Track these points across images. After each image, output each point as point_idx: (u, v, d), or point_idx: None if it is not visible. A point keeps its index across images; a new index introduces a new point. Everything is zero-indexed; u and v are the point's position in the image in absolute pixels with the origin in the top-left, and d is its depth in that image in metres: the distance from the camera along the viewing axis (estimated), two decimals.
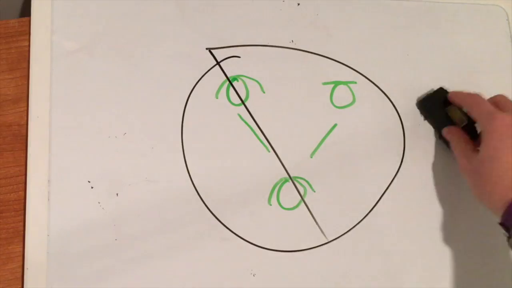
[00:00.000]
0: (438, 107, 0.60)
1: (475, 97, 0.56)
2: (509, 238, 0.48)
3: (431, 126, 0.60)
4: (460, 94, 0.58)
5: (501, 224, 0.49)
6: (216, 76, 0.58)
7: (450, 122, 0.59)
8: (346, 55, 0.61)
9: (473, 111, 0.55)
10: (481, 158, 0.51)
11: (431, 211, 0.58)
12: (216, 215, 0.55)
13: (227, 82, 0.58)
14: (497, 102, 0.55)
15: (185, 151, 0.56)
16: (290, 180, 0.56)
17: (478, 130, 0.57)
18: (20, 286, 0.51)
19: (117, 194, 0.53)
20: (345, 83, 0.60)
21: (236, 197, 0.55)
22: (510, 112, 0.52)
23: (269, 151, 0.57)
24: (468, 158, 0.54)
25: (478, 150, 0.53)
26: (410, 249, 0.57)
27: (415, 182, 0.59)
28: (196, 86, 0.58)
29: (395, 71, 0.62)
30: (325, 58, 0.61)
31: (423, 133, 0.60)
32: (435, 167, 0.59)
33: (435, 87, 0.61)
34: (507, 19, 0.66)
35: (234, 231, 0.54)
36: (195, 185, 0.55)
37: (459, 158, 0.55)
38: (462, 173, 0.55)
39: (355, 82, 0.61)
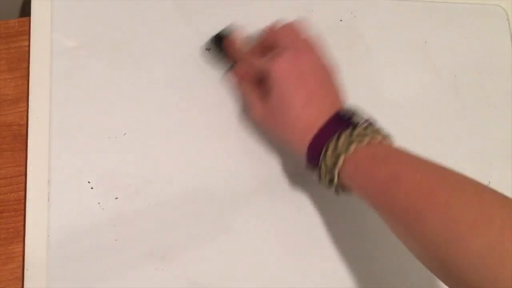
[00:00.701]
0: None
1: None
2: (320, 179, 0.48)
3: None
4: (234, 44, 0.55)
5: (308, 166, 0.48)
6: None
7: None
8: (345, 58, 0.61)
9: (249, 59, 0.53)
10: (271, 108, 0.50)
11: None
12: (216, 216, 0.55)
13: None
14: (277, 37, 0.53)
15: (185, 152, 0.56)
16: None
17: None
18: (20, 286, 0.51)
19: (117, 194, 0.53)
20: None
21: (237, 198, 0.55)
22: (286, 51, 0.49)
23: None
24: (258, 104, 0.52)
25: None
26: None
27: None
28: (196, 86, 0.58)
29: None
30: None
31: None
32: None
33: (435, 87, 0.61)
34: (507, 19, 0.66)
35: (234, 232, 0.54)
36: (196, 186, 0.55)
37: (252, 104, 0.52)
38: (257, 121, 0.53)
39: None
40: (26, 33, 0.56)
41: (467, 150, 0.61)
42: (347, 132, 0.47)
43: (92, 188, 0.53)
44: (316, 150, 0.47)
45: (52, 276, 0.50)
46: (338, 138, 0.46)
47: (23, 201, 0.52)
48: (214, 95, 0.58)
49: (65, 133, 0.54)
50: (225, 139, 0.57)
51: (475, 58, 0.64)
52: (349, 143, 0.46)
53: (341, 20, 0.62)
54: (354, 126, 0.47)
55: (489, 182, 0.60)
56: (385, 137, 0.48)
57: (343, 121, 0.48)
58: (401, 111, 0.61)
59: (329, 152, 0.46)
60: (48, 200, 0.52)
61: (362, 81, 0.61)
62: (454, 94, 0.63)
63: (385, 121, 0.60)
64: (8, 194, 0.53)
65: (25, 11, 0.64)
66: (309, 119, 0.48)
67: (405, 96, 0.61)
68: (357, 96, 0.60)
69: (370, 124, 0.48)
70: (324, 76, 0.50)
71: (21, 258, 0.51)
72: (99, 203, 0.53)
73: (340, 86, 0.52)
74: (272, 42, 0.52)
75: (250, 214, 0.55)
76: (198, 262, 0.53)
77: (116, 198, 0.53)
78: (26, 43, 0.56)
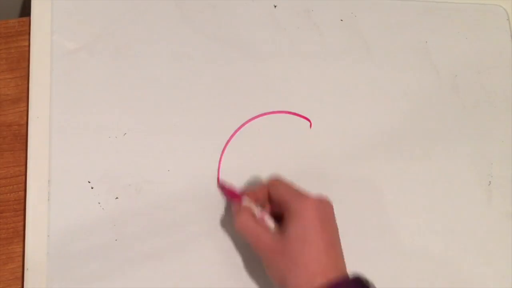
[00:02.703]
0: None
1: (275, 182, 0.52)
2: None
3: None
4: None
5: None
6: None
7: None
8: (345, 58, 0.61)
9: (278, 193, 0.50)
10: (289, 238, 0.47)
11: None
12: (216, 215, 0.55)
13: None
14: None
15: (185, 151, 0.56)
16: None
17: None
18: (20, 286, 0.51)
19: (117, 194, 0.53)
20: None
21: None
22: (311, 196, 0.49)
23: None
24: (267, 234, 0.48)
25: (274, 230, 0.49)
26: None
27: None
28: (196, 86, 0.58)
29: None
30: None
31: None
32: None
33: (435, 87, 0.61)
34: (508, 19, 0.66)
35: (234, 232, 0.54)
36: (196, 186, 0.55)
37: (255, 230, 0.49)
38: (257, 250, 0.49)
39: None
40: (26, 33, 0.56)
41: (467, 150, 0.61)
42: None
43: (92, 188, 0.53)
44: None
45: (52, 276, 0.50)
46: None
47: (23, 201, 0.52)
48: (214, 95, 0.58)
49: (65, 133, 0.54)
50: (225, 139, 0.57)
51: (475, 58, 0.64)
52: None
53: (341, 20, 0.62)
54: None
55: (489, 182, 0.60)
56: None
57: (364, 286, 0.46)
58: (401, 111, 0.61)
59: None
60: (48, 200, 0.52)
61: (362, 81, 0.61)
62: (454, 94, 0.63)
63: (385, 121, 0.60)
64: (8, 194, 0.53)
65: (25, 11, 0.64)
66: (325, 266, 0.46)
67: (405, 96, 0.61)
68: (357, 96, 0.61)
69: None
70: (337, 232, 0.49)
71: (21, 258, 0.51)
72: (99, 203, 0.53)
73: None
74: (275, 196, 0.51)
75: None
76: (198, 262, 0.53)
77: (117, 198, 0.53)
78: (26, 43, 0.56)
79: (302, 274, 0.45)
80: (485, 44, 0.65)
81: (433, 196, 0.59)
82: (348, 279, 0.46)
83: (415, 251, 0.57)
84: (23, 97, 0.55)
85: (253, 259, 0.53)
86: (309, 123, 0.59)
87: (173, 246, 0.53)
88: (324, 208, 0.48)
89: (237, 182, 0.55)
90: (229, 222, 0.54)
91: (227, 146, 0.56)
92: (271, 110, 0.58)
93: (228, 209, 0.55)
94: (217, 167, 0.56)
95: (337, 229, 0.49)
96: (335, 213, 0.49)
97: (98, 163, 0.54)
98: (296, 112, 0.59)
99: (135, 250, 0.52)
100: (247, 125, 0.58)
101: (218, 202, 0.55)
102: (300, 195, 0.49)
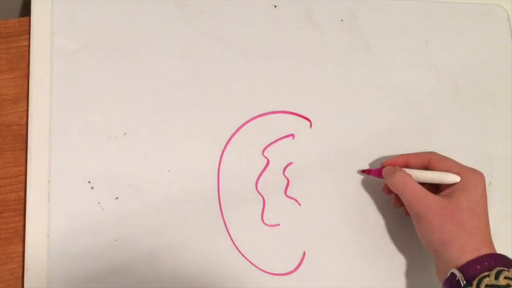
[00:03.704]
0: None
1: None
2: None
3: None
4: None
5: (461, 271, 0.48)
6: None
7: None
8: (345, 58, 0.61)
9: (445, 164, 0.54)
10: (459, 206, 0.50)
11: None
12: (216, 216, 0.55)
13: None
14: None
15: (185, 152, 0.56)
16: None
17: None
18: (20, 286, 0.51)
19: (117, 194, 0.53)
20: None
21: (237, 198, 0.55)
22: (481, 173, 0.53)
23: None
24: (432, 197, 0.51)
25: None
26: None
27: None
28: (196, 86, 0.58)
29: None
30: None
31: None
32: None
33: (436, 87, 0.61)
34: (508, 19, 0.66)
35: (235, 232, 0.54)
36: (196, 186, 0.55)
37: (419, 190, 0.51)
38: (420, 208, 0.51)
39: None
40: (26, 33, 0.56)
41: (467, 150, 0.61)
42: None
43: (92, 188, 0.53)
44: (478, 270, 0.47)
45: (52, 276, 0.50)
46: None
47: (23, 201, 0.52)
48: (214, 95, 0.58)
49: (65, 133, 0.54)
50: (225, 139, 0.57)
51: (476, 57, 0.64)
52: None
53: (341, 20, 0.62)
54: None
55: (490, 182, 0.60)
56: None
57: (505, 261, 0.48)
58: (401, 111, 0.61)
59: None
60: (48, 200, 0.52)
61: (362, 81, 0.61)
62: (454, 94, 0.63)
63: (385, 121, 0.60)
64: (8, 194, 0.53)
65: (25, 11, 0.64)
66: (487, 238, 0.50)
67: (405, 96, 0.61)
68: (357, 96, 0.61)
69: None
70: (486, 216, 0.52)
71: (21, 258, 0.51)
72: (99, 203, 0.53)
73: None
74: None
75: (250, 214, 0.55)
76: (198, 262, 0.53)
77: (117, 198, 0.53)
78: (26, 43, 0.56)
79: (470, 240, 0.49)
80: (485, 44, 0.65)
81: None
82: (505, 256, 0.49)
83: (415, 251, 0.57)
84: (23, 97, 0.55)
85: (253, 259, 0.54)
86: (309, 123, 0.59)
87: (173, 246, 0.53)
88: (486, 184, 0.52)
89: (237, 182, 0.56)
90: (228, 222, 0.54)
91: (227, 146, 0.56)
92: (271, 110, 0.58)
93: (228, 208, 0.55)
94: (217, 167, 0.56)
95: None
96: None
97: (98, 163, 0.54)
98: (296, 112, 0.59)
99: (135, 250, 0.52)
100: (247, 125, 0.57)
101: (218, 202, 0.55)
102: (471, 169, 0.53)
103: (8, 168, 0.53)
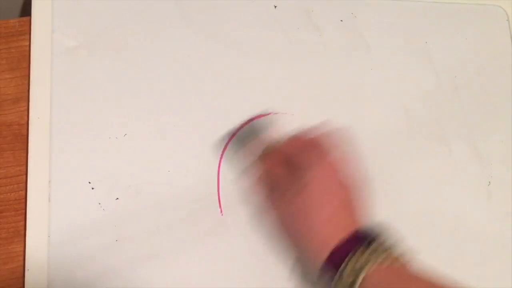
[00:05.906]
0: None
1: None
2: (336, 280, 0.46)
3: None
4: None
5: (326, 265, 0.47)
6: None
7: None
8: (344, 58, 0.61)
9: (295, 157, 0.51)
10: (307, 200, 0.48)
11: None
12: (216, 216, 0.55)
13: None
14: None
15: (185, 152, 0.56)
16: None
17: None
18: (21, 286, 0.51)
19: (117, 195, 0.53)
20: None
21: (237, 198, 0.55)
22: (327, 156, 0.50)
23: None
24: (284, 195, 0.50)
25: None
26: None
27: None
28: (196, 86, 0.58)
29: None
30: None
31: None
32: None
33: (435, 87, 0.61)
34: (507, 20, 0.66)
35: (234, 232, 0.54)
36: (196, 186, 0.55)
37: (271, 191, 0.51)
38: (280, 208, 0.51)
39: None
40: (26, 32, 0.56)
41: (467, 150, 0.61)
42: (362, 249, 0.46)
43: (93, 188, 0.53)
44: (333, 265, 0.46)
45: (52, 276, 0.50)
46: (354, 254, 0.46)
47: (24, 200, 0.52)
48: (214, 95, 0.58)
49: (66, 133, 0.54)
50: (225, 139, 0.57)
51: (475, 58, 0.64)
52: (366, 262, 0.45)
53: (341, 20, 0.63)
54: (369, 243, 0.46)
55: (489, 182, 0.60)
56: (401, 255, 0.47)
57: (360, 239, 0.47)
58: (401, 111, 0.61)
59: (348, 269, 0.45)
60: (49, 200, 0.52)
61: (362, 81, 0.61)
62: (454, 94, 0.63)
63: (385, 121, 0.60)
64: (9, 194, 0.53)
65: (25, 10, 0.64)
66: (336, 229, 0.48)
67: (405, 96, 0.62)
68: (357, 96, 0.61)
69: (385, 242, 0.47)
70: (348, 195, 0.50)
71: (21, 258, 0.51)
72: (99, 204, 0.53)
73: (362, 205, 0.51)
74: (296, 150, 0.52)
75: (250, 214, 0.55)
76: (198, 262, 0.53)
77: (117, 198, 0.53)
78: (27, 43, 0.56)
79: (313, 241, 0.47)
80: (485, 44, 0.65)
81: (433, 196, 0.59)
82: (350, 238, 0.47)
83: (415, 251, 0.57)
84: (24, 97, 0.55)
85: (253, 259, 0.54)
86: (309, 123, 0.59)
87: (173, 246, 0.53)
88: (337, 170, 0.49)
89: (237, 182, 0.56)
90: (229, 222, 0.54)
91: (227, 146, 0.57)
92: (271, 110, 0.58)
93: (228, 209, 0.55)
94: (217, 167, 0.56)
95: (348, 189, 0.50)
96: None
97: (98, 164, 0.54)
98: (296, 112, 0.59)
99: (135, 251, 0.52)
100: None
101: (218, 202, 0.55)
102: (310, 159, 0.49)
103: (9, 168, 0.53)
